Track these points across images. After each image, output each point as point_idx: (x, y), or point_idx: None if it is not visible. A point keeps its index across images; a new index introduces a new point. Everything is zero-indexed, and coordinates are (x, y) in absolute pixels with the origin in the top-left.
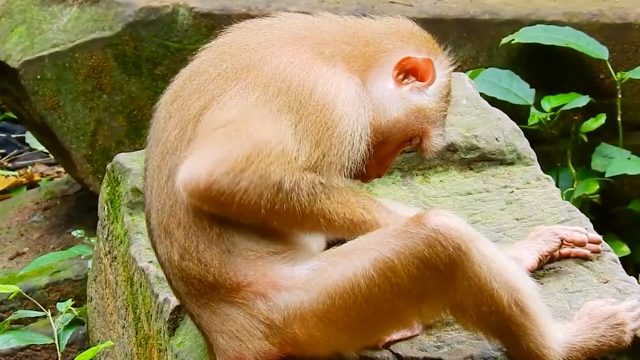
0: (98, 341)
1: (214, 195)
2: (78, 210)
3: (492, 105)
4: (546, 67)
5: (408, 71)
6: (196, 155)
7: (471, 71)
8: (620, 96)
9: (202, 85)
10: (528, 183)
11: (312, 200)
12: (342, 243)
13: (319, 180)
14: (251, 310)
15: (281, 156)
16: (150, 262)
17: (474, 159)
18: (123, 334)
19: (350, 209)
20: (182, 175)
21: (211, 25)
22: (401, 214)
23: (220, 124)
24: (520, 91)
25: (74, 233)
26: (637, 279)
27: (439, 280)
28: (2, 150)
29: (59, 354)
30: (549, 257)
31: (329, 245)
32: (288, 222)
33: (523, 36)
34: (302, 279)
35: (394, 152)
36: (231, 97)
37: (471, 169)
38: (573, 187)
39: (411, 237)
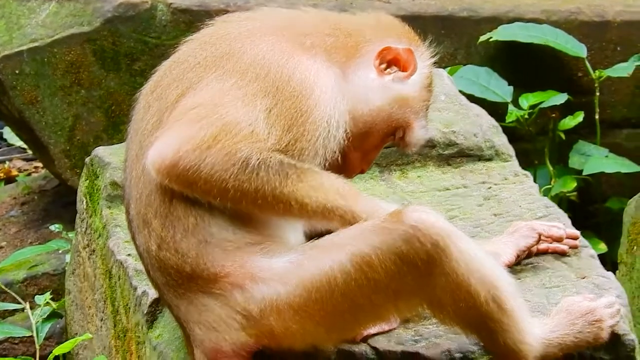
0: (76, 334)
1: (180, 172)
2: (56, 205)
3: (471, 103)
4: (524, 64)
5: (390, 61)
6: (165, 134)
7: (449, 68)
8: (598, 94)
9: (181, 74)
10: (506, 179)
11: (283, 180)
12: (320, 237)
13: (287, 161)
14: (228, 301)
15: (250, 136)
16: (129, 255)
17: (452, 154)
18: (101, 326)
19: (324, 193)
20: (151, 154)
21: (189, 21)
22: (381, 207)
23: (192, 106)
24: (498, 88)
25: (51, 227)
26: (615, 275)
27: (416, 276)
28: None
29: (37, 347)
30: (527, 252)
31: (308, 239)
32: (258, 204)
33: (501, 34)
34: (279, 271)
35: (377, 146)
36: (207, 83)
37: (449, 165)
38: (550, 184)
39: (389, 233)
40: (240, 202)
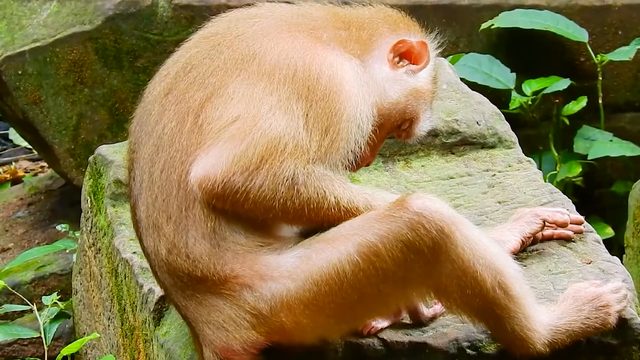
0: (84, 334)
1: (228, 194)
2: (62, 205)
3: (473, 90)
4: (526, 51)
5: (402, 54)
6: (210, 152)
7: (451, 57)
8: (600, 78)
9: (200, 77)
10: (510, 166)
11: (321, 201)
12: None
13: (327, 175)
14: (238, 301)
15: (294, 151)
16: (134, 253)
17: (456, 143)
18: (109, 325)
19: (355, 211)
20: (196, 173)
21: (191, 16)
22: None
23: (230, 119)
24: (501, 75)
25: (58, 227)
26: (621, 260)
27: (423, 264)
28: None
29: (46, 348)
30: (532, 238)
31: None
32: (295, 219)
33: (502, 21)
34: (287, 268)
35: (384, 138)
36: (235, 89)
37: (453, 153)
38: (556, 170)
39: (394, 221)
40: (281, 219)
